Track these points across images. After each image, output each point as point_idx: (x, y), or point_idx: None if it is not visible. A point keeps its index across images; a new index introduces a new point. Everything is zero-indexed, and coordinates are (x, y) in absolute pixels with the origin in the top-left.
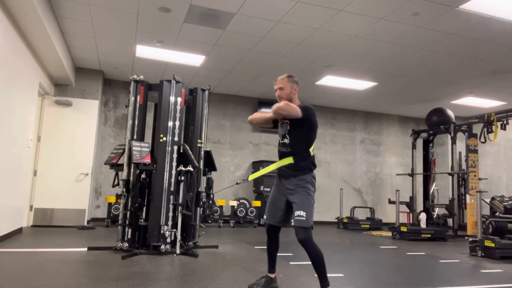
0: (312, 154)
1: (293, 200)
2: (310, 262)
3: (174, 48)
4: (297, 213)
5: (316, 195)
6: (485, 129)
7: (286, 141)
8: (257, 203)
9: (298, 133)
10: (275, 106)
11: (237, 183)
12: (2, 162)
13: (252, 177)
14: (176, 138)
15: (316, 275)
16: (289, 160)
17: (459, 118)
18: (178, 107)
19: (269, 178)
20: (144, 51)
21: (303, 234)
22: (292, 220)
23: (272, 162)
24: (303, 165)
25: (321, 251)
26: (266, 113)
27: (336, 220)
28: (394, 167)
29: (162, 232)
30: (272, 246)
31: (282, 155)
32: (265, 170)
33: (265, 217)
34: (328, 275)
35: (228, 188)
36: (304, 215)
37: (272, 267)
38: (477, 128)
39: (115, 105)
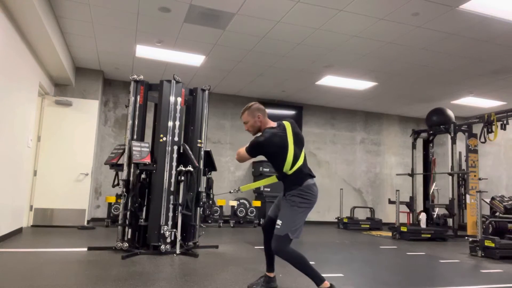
0: (293, 171)
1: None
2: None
3: (174, 48)
4: (276, 222)
5: None
6: (485, 129)
7: None
8: (257, 203)
9: (269, 161)
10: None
11: (230, 192)
12: (2, 162)
13: (244, 188)
14: (176, 138)
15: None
16: (273, 179)
17: (459, 118)
18: (178, 107)
19: None
20: (144, 51)
21: (274, 243)
22: None
23: None
24: (287, 183)
25: (299, 255)
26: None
27: (336, 220)
28: (394, 167)
29: (162, 232)
30: (268, 244)
31: None
32: (258, 184)
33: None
34: (328, 275)
35: (223, 194)
36: (280, 224)
37: (270, 266)
38: (477, 128)
39: (115, 105)
